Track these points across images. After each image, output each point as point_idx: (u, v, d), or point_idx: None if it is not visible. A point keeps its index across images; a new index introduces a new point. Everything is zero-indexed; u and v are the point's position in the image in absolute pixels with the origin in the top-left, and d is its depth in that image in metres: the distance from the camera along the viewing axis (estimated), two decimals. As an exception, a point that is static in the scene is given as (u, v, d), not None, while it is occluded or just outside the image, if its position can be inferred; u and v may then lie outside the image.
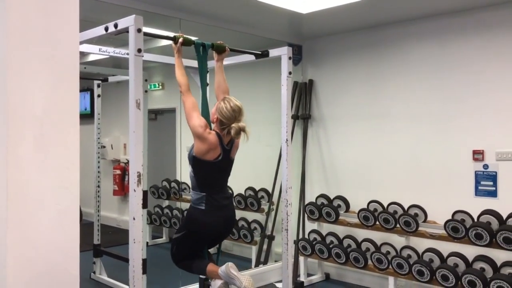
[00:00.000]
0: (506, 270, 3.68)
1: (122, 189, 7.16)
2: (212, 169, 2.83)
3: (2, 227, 1.45)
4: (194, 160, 2.80)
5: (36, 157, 1.52)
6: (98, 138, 5.00)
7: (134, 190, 2.35)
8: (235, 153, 2.97)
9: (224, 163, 2.88)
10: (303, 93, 5.28)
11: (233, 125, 2.77)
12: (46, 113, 1.54)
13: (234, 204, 5.37)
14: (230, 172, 2.99)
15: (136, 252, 2.34)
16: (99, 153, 4.98)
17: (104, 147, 6.79)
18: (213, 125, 2.91)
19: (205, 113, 2.96)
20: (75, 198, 1.63)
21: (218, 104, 2.86)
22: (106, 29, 2.56)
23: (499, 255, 3.78)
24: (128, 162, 7.12)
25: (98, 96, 4.98)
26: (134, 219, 2.35)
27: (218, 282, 2.81)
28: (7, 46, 1.45)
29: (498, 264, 3.76)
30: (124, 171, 7.14)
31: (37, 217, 1.51)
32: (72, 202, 1.62)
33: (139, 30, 2.38)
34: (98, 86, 4.98)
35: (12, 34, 1.46)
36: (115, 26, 2.48)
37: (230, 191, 3.03)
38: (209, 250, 3.13)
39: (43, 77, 1.54)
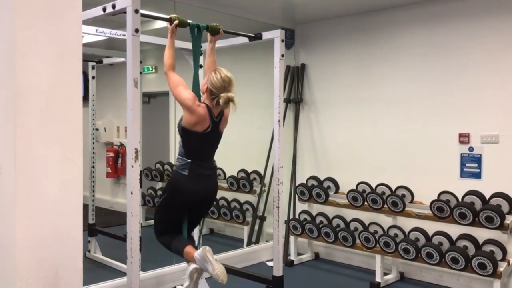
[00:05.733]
0: (488, 248, 3.85)
1: (115, 172, 7.22)
2: (200, 140, 2.89)
3: (10, 194, 1.54)
4: (183, 131, 2.87)
5: (42, 129, 1.60)
6: (93, 120, 5.05)
7: (132, 166, 2.43)
8: (224, 127, 3.04)
9: (213, 135, 2.94)
10: (295, 77, 5.36)
11: (222, 94, 2.82)
12: (51, 87, 1.62)
13: (227, 185, 5.49)
14: (218, 145, 3.05)
15: (134, 225, 2.44)
16: (93, 134, 5.04)
17: (97, 129, 6.83)
18: (203, 97, 2.96)
19: (196, 92, 3.02)
20: (79, 169, 1.72)
21: (209, 74, 2.92)
22: (104, 9, 2.62)
23: (482, 234, 3.94)
24: (121, 145, 7.18)
25: (93, 78, 5.02)
26: (132, 193, 2.44)
27: (192, 267, 2.82)
28: (14, 25, 1.52)
29: (480, 242, 3.92)
30: (117, 153, 7.20)
31: (43, 186, 1.60)
32: (76, 173, 1.72)
33: (136, 11, 2.45)
34: (93, 68, 5.02)
35: (18, 14, 1.53)
36: (113, 6, 2.54)
37: (216, 164, 3.08)
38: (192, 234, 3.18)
39: (48, 54, 1.61)
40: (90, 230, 4.94)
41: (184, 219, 3.04)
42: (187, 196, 2.91)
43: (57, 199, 1.64)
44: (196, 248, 2.97)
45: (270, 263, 4.77)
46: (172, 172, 3.00)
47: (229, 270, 3.85)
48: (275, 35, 3.28)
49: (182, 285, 2.96)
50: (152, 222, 6.31)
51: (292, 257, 4.97)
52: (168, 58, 2.90)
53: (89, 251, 4.94)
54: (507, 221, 3.75)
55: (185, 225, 3.06)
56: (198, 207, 3.06)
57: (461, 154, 4.22)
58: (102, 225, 5.40)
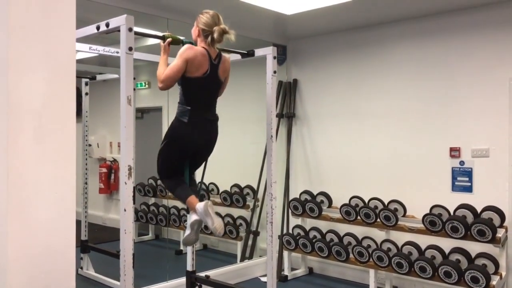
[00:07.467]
0: (480, 261, 3.86)
1: (108, 188, 7.19)
2: (199, 86, 2.90)
3: (3, 213, 1.54)
4: (183, 78, 2.87)
5: (35, 148, 1.61)
6: (86, 136, 5.05)
7: (125, 183, 2.44)
8: (225, 75, 3.06)
9: (211, 81, 2.94)
10: (287, 92, 5.41)
11: (214, 28, 2.87)
12: (45, 106, 1.63)
13: (220, 200, 5.49)
14: (217, 94, 3.07)
15: (127, 242, 2.43)
16: (86, 150, 5.03)
17: (90, 145, 6.82)
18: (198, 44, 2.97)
19: None
20: (71, 187, 1.72)
21: (196, 19, 2.95)
22: (98, 28, 2.64)
23: (474, 247, 3.96)
24: (114, 161, 7.17)
25: (86, 94, 5.04)
26: (125, 210, 2.43)
27: (193, 217, 2.94)
28: (8, 42, 1.54)
29: (473, 255, 3.94)
30: (110, 169, 7.18)
31: (36, 205, 1.60)
32: (68, 191, 1.72)
33: (130, 29, 2.48)
34: (86, 84, 5.04)
35: (13, 31, 1.55)
36: (107, 25, 2.56)
37: (217, 115, 3.11)
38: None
39: (41, 72, 1.63)
40: (82, 247, 4.91)
41: (185, 163, 3.10)
42: (187, 143, 2.96)
43: (50, 218, 1.64)
44: (198, 199, 3.05)
45: (264, 279, 4.75)
46: (173, 120, 3.01)
47: (223, 287, 3.85)
48: (267, 52, 3.32)
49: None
50: (145, 237, 6.34)
51: (286, 272, 4.96)
52: (161, 75, 2.90)
53: (81, 268, 4.90)
54: (498, 235, 3.77)
55: (187, 171, 3.12)
56: (197, 152, 3.09)
57: (452, 168, 4.26)
58: (94, 241, 5.36)
